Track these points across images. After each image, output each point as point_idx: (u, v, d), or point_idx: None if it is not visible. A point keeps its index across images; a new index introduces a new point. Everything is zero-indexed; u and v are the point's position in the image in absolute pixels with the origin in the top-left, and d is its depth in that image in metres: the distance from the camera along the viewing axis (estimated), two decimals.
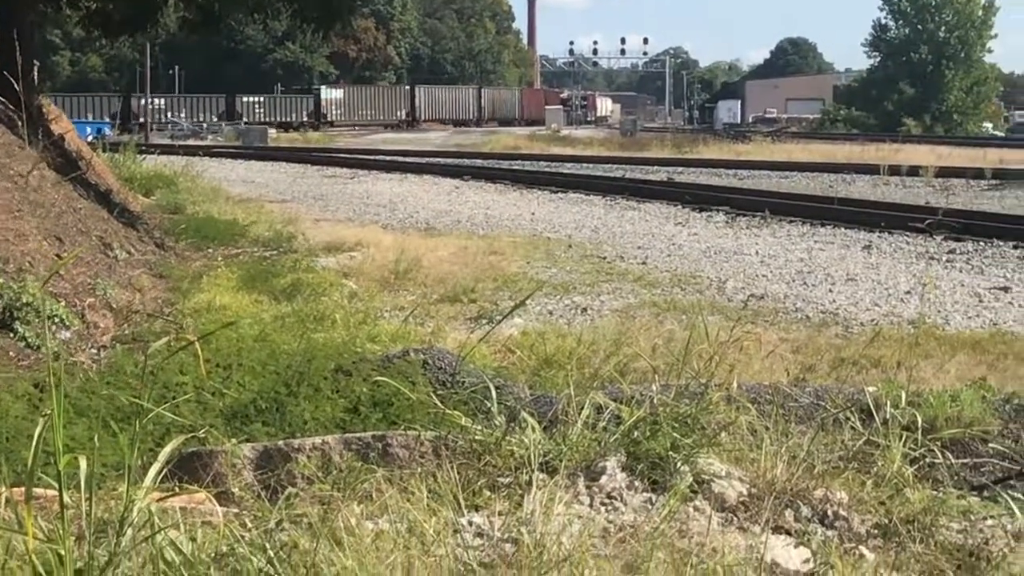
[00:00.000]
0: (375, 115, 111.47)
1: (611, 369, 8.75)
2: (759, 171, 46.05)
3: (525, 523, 4.96)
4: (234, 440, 6.33)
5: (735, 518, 5.43)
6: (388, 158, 52.92)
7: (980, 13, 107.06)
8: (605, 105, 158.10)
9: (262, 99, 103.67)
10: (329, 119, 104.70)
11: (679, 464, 5.69)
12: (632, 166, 49.31)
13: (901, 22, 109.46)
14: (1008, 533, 5.54)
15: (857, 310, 15.29)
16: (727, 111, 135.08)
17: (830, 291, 16.89)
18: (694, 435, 5.89)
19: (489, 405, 6.28)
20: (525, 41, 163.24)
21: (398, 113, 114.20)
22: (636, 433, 5.91)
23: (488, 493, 5.52)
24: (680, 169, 47.60)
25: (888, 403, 6.68)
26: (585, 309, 15.12)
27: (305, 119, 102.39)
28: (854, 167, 45.43)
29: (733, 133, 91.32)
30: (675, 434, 5.85)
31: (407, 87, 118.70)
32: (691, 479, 5.58)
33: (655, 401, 6.19)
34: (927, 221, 21.58)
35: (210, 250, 19.89)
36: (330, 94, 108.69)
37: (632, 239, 23.18)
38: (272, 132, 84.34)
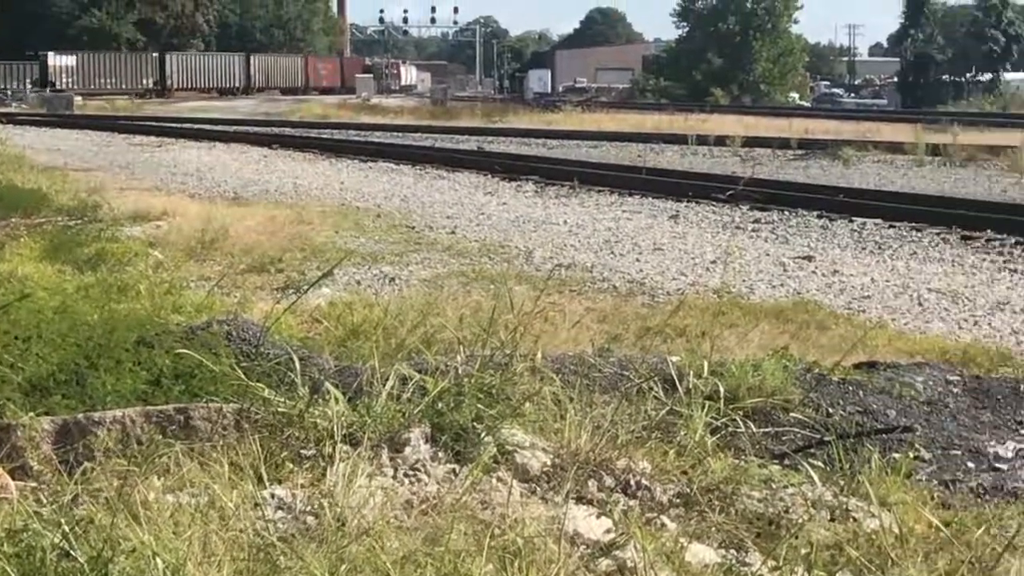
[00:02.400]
0: (116, 83, 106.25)
1: (417, 340, 8.73)
2: (569, 140, 46.22)
3: (327, 496, 4.93)
4: (31, 413, 6.19)
5: (538, 488, 5.45)
6: (197, 126, 52.24)
7: None
8: (411, 74, 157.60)
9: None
10: (58, 87, 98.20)
11: (483, 435, 5.70)
12: (442, 135, 49.36)
13: None
14: (808, 501, 5.64)
15: (663, 279, 15.42)
16: (537, 81, 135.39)
17: (637, 260, 17.01)
18: (498, 406, 5.90)
19: (293, 377, 6.23)
20: (335, 9, 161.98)
21: (144, 82, 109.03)
22: (440, 404, 5.90)
23: (291, 466, 5.48)
24: (490, 138, 47.66)
25: (691, 373, 6.75)
26: (393, 279, 15.07)
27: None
28: (663, 137, 45.79)
29: (543, 103, 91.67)
30: (479, 405, 5.85)
31: (155, 54, 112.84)
32: (495, 450, 5.58)
33: (460, 372, 6.19)
34: (729, 192, 21.85)
35: (13, 219, 19.42)
36: (58, 60, 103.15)
37: (441, 208, 23.15)
38: (79, 99, 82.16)
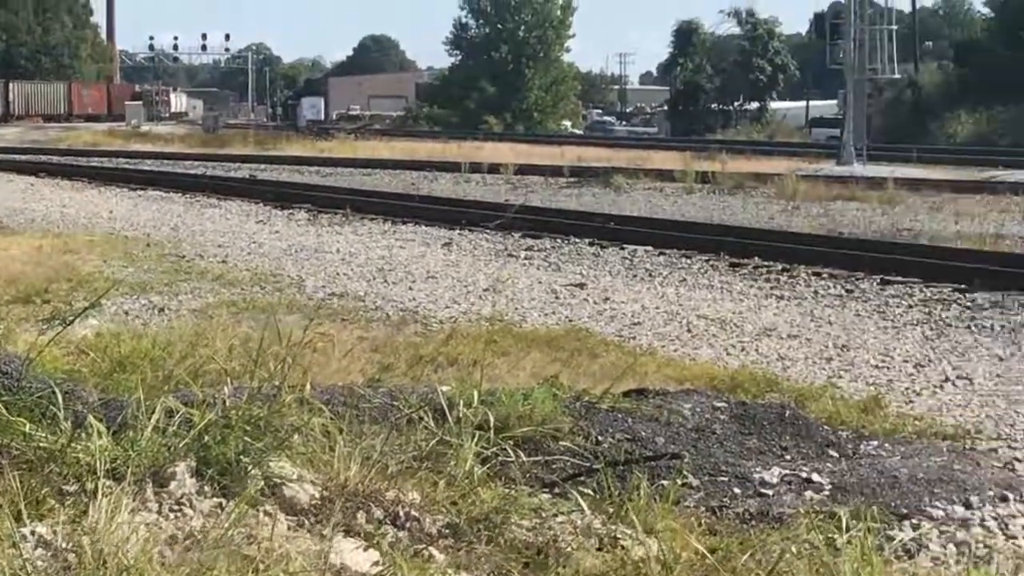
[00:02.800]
0: None
1: (185, 371, 8.59)
2: (342, 168, 46.17)
3: (88, 533, 4.81)
4: None
5: (306, 521, 5.39)
6: None
7: (558, 13, 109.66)
8: (181, 101, 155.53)
9: None
10: None
11: (250, 468, 5.62)
12: (214, 163, 48.89)
13: (481, 21, 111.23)
14: (577, 529, 5.66)
15: (436, 308, 15.46)
16: (310, 108, 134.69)
17: (410, 289, 17.04)
18: (266, 438, 5.82)
19: (56, 411, 6.09)
20: (104, 36, 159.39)
21: None
22: (207, 437, 5.80)
23: (52, 503, 5.34)
24: (263, 166, 47.37)
25: (461, 402, 6.75)
26: (162, 309, 14.86)
27: None
28: (436, 165, 46.07)
29: (316, 130, 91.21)
30: (247, 438, 5.77)
31: None
32: (262, 483, 5.51)
33: (227, 404, 6.10)
34: (497, 221, 22.02)
35: None
36: None
37: (213, 237, 22.92)
38: None
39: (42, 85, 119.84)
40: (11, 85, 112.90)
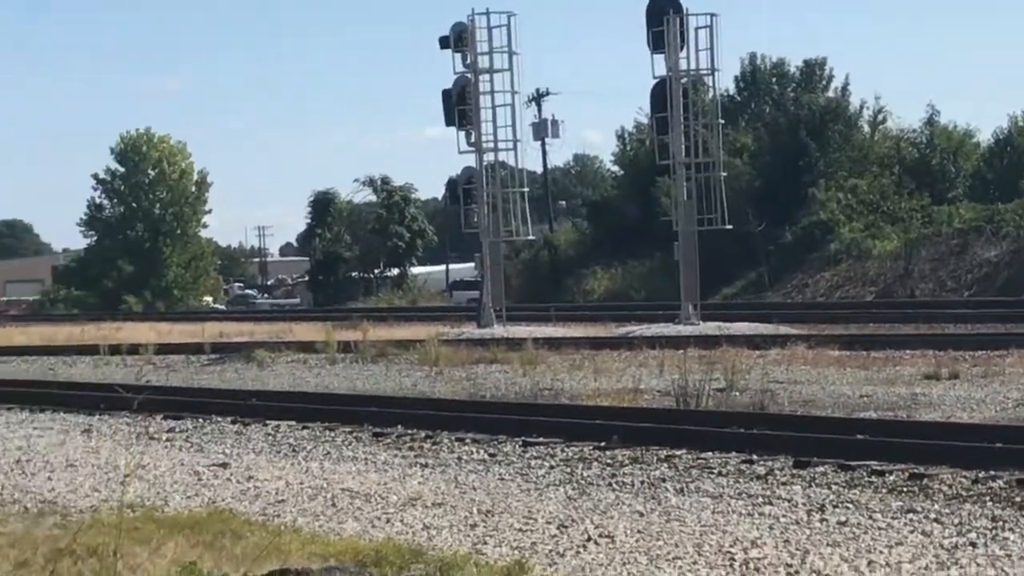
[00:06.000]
0: None
1: None
2: None
3: None
4: None
5: None
6: None
7: (194, 189, 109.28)
8: None
9: None
10: None
11: None
12: None
13: (116, 200, 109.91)
14: None
15: (76, 497, 15.17)
16: None
17: (49, 479, 16.66)
18: None
19: None
20: None
21: None
22: None
23: None
24: None
25: None
26: None
27: None
28: (75, 348, 45.23)
29: None
30: None
31: None
32: None
33: None
34: (136, 402, 21.77)
35: None
36: None
37: None
38: None
39: None
40: None
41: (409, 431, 19.98)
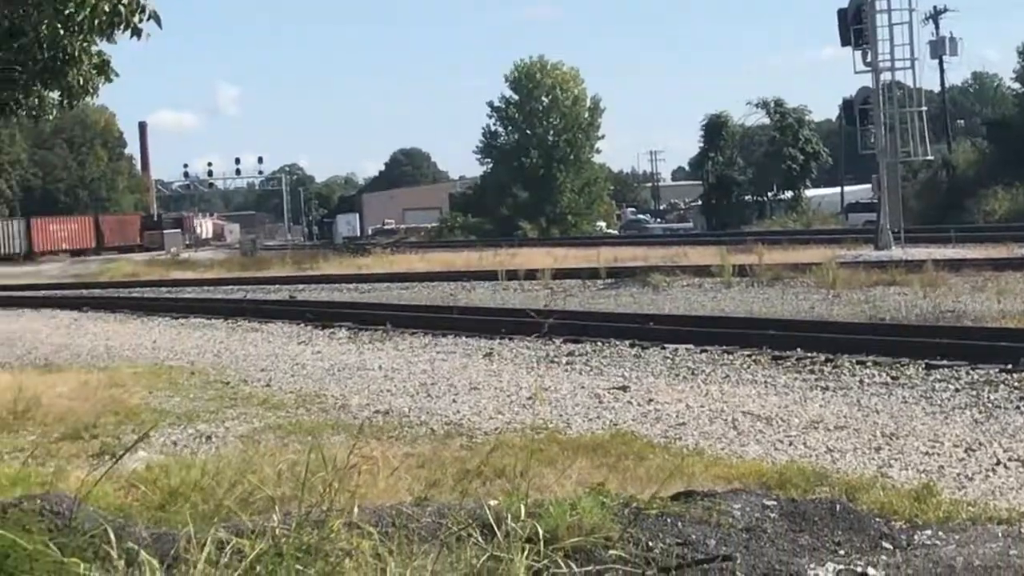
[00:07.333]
0: None
1: (235, 500, 8.63)
2: (380, 284, 46.30)
3: None
4: None
5: None
6: (4, 293, 51.33)
7: (587, 115, 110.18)
8: (206, 227, 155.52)
9: None
10: None
11: None
12: (253, 286, 49.04)
13: (511, 128, 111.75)
14: None
15: (480, 419, 15.46)
16: (346, 225, 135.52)
17: (454, 402, 17.04)
18: (317, 565, 5.84)
19: (108, 549, 6.12)
20: (139, 166, 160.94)
21: None
22: (259, 567, 5.82)
23: None
24: (302, 286, 47.57)
25: (509, 516, 6.74)
26: (210, 437, 14.88)
27: None
28: (473, 274, 46.19)
29: (353, 247, 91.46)
30: (298, 566, 5.79)
31: None
32: None
33: (277, 532, 6.12)
34: (544, 330, 21.99)
35: None
36: None
37: (255, 361, 23.01)
38: None
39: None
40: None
41: (808, 354, 19.70)
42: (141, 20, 15.71)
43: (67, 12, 15.44)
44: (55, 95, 18.74)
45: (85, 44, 16.95)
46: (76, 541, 6.78)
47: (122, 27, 15.54)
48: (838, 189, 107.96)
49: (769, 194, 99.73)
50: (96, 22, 15.10)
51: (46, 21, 15.81)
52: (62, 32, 16.20)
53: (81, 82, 17.77)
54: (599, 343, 22.63)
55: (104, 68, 18.07)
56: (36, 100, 18.76)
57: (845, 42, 49.70)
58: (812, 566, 7.31)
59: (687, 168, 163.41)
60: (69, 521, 7.69)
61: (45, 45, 16.73)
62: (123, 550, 6.17)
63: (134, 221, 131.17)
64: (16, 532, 7.12)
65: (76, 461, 13.46)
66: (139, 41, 15.82)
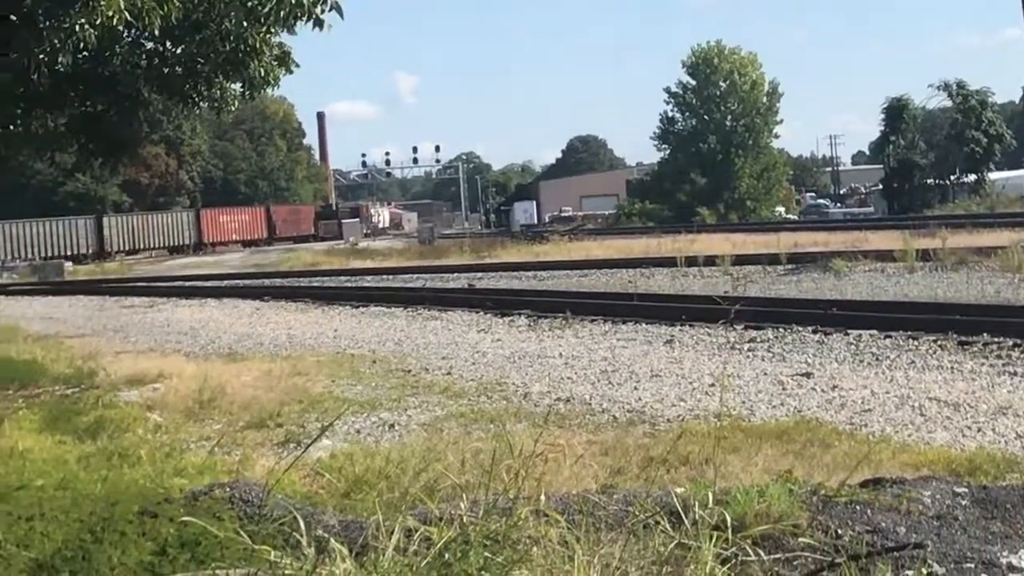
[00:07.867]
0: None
1: (420, 488, 8.70)
2: (558, 271, 46.31)
3: None
4: None
5: None
6: (189, 284, 52.38)
7: (765, 100, 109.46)
8: (383, 216, 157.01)
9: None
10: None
11: None
12: (432, 274, 49.37)
13: (688, 114, 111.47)
14: None
15: (663, 407, 15.38)
16: (523, 212, 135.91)
17: (635, 389, 16.99)
18: (505, 552, 5.85)
19: (298, 537, 6.19)
20: (317, 156, 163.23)
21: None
22: (447, 555, 5.85)
23: None
24: (480, 274, 47.73)
25: (696, 503, 6.70)
26: (392, 425, 15.00)
27: None
28: (652, 261, 45.97)
29: (530, 234, 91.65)
30: (486, 553, 5.80)
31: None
32: None
33: (464, 520, 6.14)
34: (730, 318, 21.82)
35: (9, 392, 19.38)
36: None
37: (436, 349, 23.15)
38: (68, 265, 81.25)
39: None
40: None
41: (996, 339, 19.31)
42: (323, 11, 15.93)
43: (251, 5, 15.69)
44: (237, 87, 19.06)
45: (267, 36, 17.22)
46: (265, 528, 6.88)
47: (305, 18, 15.76)
48: (1023, 172, 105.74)
49: (951, 177, 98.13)
50: (281, 14, 15.33)
51: (232, 14, 16.07)
52: (245, 24, 16.46)
53: (263, 73, 18.06)
54: (781, 329, 22.39)
55: (285, 59, 18.35)
56: (218, 92, 19.10)
57: None
58: (1005, 553, 7.15)
59: (867, 152, 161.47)
60: (259, 509, 7.81)
61: (229, 38, 17.01)
62: (312, 537, 6.24)
63: (307, 211, 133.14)
64: (207, 519, 7.26)
65: (261, 449, 13.68)
66: (320, 32, 16.06)
